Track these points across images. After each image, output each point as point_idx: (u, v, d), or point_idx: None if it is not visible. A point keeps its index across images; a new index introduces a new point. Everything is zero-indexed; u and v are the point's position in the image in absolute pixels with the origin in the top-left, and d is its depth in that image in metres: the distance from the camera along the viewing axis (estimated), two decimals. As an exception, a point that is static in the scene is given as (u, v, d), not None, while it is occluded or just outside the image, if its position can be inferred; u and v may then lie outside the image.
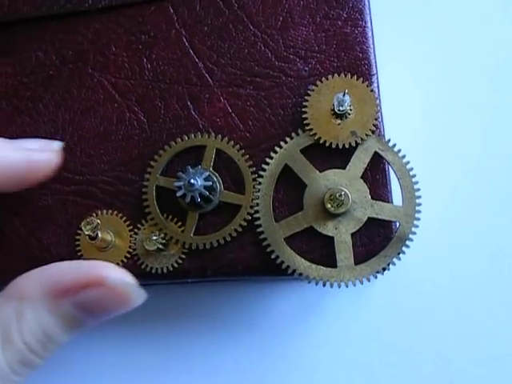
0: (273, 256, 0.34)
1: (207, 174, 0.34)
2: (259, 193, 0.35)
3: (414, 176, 0.34)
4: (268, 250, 0.34)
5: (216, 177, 0.35)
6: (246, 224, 0.35)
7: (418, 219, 0.34)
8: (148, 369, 0.41)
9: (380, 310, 0.40)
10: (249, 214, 0.35)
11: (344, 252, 0.34)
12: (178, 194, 0.34)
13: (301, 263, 0.34)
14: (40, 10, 0.38)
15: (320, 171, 0.35)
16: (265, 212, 0.34)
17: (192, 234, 0.35)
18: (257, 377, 0.40)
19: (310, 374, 0.40)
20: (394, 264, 0.34)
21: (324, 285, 0.34)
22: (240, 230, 0.35)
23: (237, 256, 0.35)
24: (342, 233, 0.34)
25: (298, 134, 0.35)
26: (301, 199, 0.34)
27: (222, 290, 0.41)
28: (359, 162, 0.34)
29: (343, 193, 0.33)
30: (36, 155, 0.34)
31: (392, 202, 0.35)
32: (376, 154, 0.34)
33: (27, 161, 0.34)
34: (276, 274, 0.35)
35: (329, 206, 0.33)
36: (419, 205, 0.34)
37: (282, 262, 0.34)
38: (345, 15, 0.36)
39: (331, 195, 0.33)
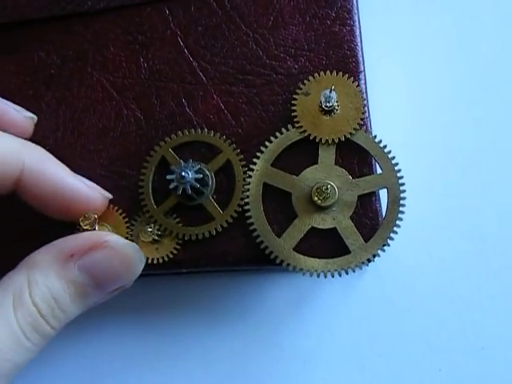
0: (283, 264, 0.35)
1: (198, 167, 0.36)
2: (249, 206, 0.36)
3: (403, 184, 0.35)
4: (277, 261, 0.35)
5: (210, 173, 0.37)
6: (236, 215, 0.36)
7: (402, 177, 0.35)
8: (144, 358, 0.42)
9: (370, 299, 0.41)
10: (239, 205, 0.36)
11: (351, 236, 0.35)
12: (171, 186, 0.35)
13: (319, 265, 0.35)
14: (42, 11, 0.40)
15: (296, 175, 0.36)
16: (267, 232, 0.35)
17: (162, 215, 0.36)
18: (251, 365, 0.41)
19: (303, 363, 0.41)
20: (399, 226, 0.35)
21: (347, 273, 0.35)
22: (231, 220, 0.36)
23: (228, 247, 0.36)
24: (341, 220, 0.35)
25: (287, 130, 0.36)
26: (292, 207, 0.36)
27: (217, 281, 0.42)
28: (327, 150, 0.36)
29: (329, 185, 0.35)
30: (87, 190, 0.36)
31: (374, 173, 0.36)
32: (352, 142, 0.36)
33: (78, 190, 0.35)
34: (265, 264, 0.36)
35: (317, 200, 0.35)
36: (398, 170, 0.35)
37: (295, 267, 0.35)
38: (333, 15, 0.37)
39: (317, 189, 0.35)
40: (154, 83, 0.39)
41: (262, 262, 0.36)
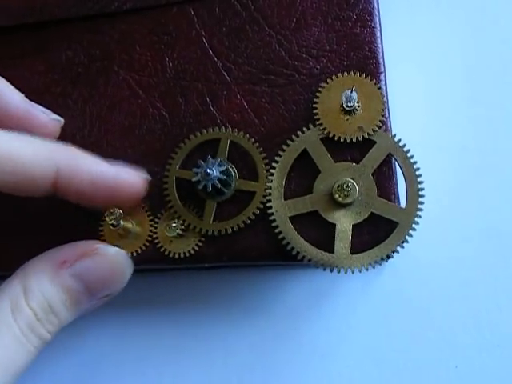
0: (276, 231, 0.36)
1: (224, 165, 0.37)
2: (274, 170, 0.37)
3: (422, 183, 0.36)
4: (273, 224, 0.36)
5: (232, 168, 0.38)
6: (258, 212, 0.37)
7: (417, 223, 0.35)
8: (163, 351, 0.43)
9: (388, 296, 0.42)
10: (261, 202, 0.37)
11: (343, 241, 0.36)
12: (199, 186, 0.36)
13: (303, 244, 0.36)
14: (70, 11, 0.41)
15: (335, 161, 0.37)
16: (277, 190, 0.37)
17: (211, 222, 0.37)
18: (270, 359, 0.42)
19: (321, 357, 0.42)
20: (391, 256, 0.36)
21: (325, 269, 0.36)
22: (253, 217, 0.37)
23: (251, 242, 0.37)
24: (344, 222, 0.36)
25: (308, 129, 0.37)
26: (312, 184, 0.36)
27: (237, 276, 0.43)
28: (373, 159, 0.36)
29: (351, 184, 0.35)
30: (125, 174, 0.36)
31: (397, 203, 0.37)
32: (390, 155, 0.36)
33: (116, 176, 0.36)
34: (286, 260, 0.37)
35: (336, 195, 0.35)
36: (421, 210, 0.36)
37: (284, 238, 0.36)
38: (355, 17, 0.38)
39: (339, 185, 0.35)
40: (178, 82, 0.40)
41: (284, 257, 0.37)
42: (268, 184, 0.37)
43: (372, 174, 0.36)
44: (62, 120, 0.39)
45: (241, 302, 0.43)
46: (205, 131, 0.38)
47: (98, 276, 0.34)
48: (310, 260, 0.36)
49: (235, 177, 0.38)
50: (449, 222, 0.42)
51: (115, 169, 0.36)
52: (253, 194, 0.37)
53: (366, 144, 0.36)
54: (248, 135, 0.38)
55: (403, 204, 0.36)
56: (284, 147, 0.37)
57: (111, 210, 0.37)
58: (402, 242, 0.35)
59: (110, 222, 0.37)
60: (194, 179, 0.36)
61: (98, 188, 0.35)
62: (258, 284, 0.43)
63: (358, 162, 0.36)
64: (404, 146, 0.36)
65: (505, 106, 0.43)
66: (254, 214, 0.37)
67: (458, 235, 0.42)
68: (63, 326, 0.33)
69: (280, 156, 0.37)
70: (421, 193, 0.36)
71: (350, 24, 0.38)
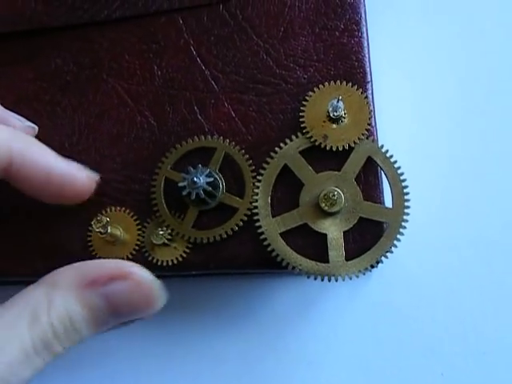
0: (269, 249, 0.36)
1: (212, 176, 0.37)
2: (258, 189, 0.37)
3: (405, 180, 0.36)
4: (264, 243, 0.36)
5: (220, 180, 0.38)
6: (242, 224, 0.37)
7: (406, 221, 0.36)
8: (150, 359, 0.43)
9: (375, 304, 0.42)
10: (245, 215, 0.37)
11: (336, 249, 0.36)
12: (184, 192, 0.36)
13: (296, 258, 0.36)
14: (59, 20, 0.41)
15: (317, 172, 0.37)
16: (263, 209, 0.37)
17: (190, 227, 0.38)
18: (257, 367, 0.42)
19: (309, 365, 0.42)
20: (386, 257, 0.36)
21: (316, 279, 0.36)
22: (237, 228, 0.37)
23: (237, 251, 0.37)
24: (334, 230, 0.36)
25: (296, 137, 0.37)
26: (297, 197, 0.37)
27: (226, 284, 0.43)
28: (353, 165, 0.36)
29: (336, 193, 0.35)
30: (76, 171, 0.37)
31: (383, 204, 0.37)
32: (369, 158, 0.37)
33: (67, 171, 0.36)
34: (273, 268, 0.37)
35: (323, 204, 0.36)
36: (408, 208, 0.36)
37: (278, 255, 0.36)
38: (342, 26, 0.39)
39: (325, 195, 0.36)
40: (167, 91, 0.40)
41: (270, 265, 0.37)
42: (254, 204, 0.37)
43: (355, 180, 0.36)
44: (36, 128, 0.39)
45: (228, 310, 0.43)
46: (191, 140, 0.38)
47: (128, 302, 0.32)
48: (307, 273, 0.36)
49: (222, 189, 0.38)
50: (436, 229, 0.42)
51: (68, 164, 0.37)
52: (236, 209, 0.37)
53: (346, 151, 0.37)
54: (234, 143, 0.38)
55: (390, 204, 0.36)
56: (264, 165, 0.37)
57: (98, 218, 0.37)
58: (395, 242, 0.36)
59: (97, 230, 0.37)
60: (180, 184, 0.37)
61: (48, 179, 0.35)
62: (246, 291, 0.43)
63: (339, 170, 0.37)
64: (382, 147, 0.37)
65: (492, 114, 0.43)
66: (237, 225, 0.37)
67: (445, 243, 0.42)
68: (81, 342, 0.32)
69: (262, 174, 0.37)
70: (405, 190, 0.36)
71: (337, 34, 0.39)
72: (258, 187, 0.37)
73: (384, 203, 0.37)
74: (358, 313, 0.43)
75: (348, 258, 0.36)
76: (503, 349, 0.41)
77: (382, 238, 0.36)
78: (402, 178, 0.36)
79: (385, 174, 0.37)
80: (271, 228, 0.36)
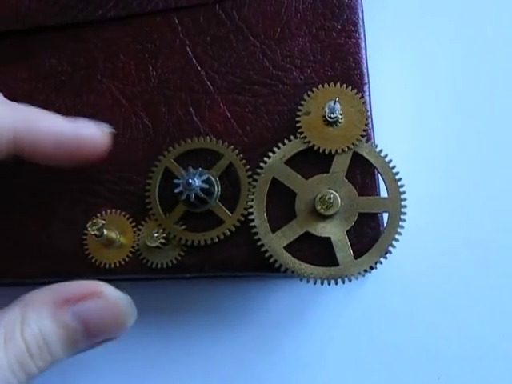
0: (277, 265, 0.36)
1: (204, 174, 0.36)
2: (252, 209, 0.36)
3: (395, 167, 0.36)
4: (271, 260, 0.36)
5: (216, 182, 0.37)
6: (223, 237, 0.37)
7: (405, 206, 0.35)
8: (145, 362, 0.43)
9: (371, 307, 0.42)
10: (229, 230, 0.37)
11: (343, 250, 0.35)
12: (176, 190, 0.36)
13: (307, 268, 0.35)
14: (54, 19, 0.40)
15: (306, 178, 0.36)
16: (261, 226, 0.36)
17: (173, 223, 0.37)
18: (252, 370, 0.42)
19: (304, 368, 0.42)
20: (394, 247, 0.35)
21: (330, 284, 0.35)
22: (217, 239, 0.37)
23: (232, 253, 0.37)
24: (337, 232, 0.36)
25: (291, 140, 0.37)
26: (293, 207, 0.36)
27: (220, 286, 0.43)
28: (341, 163, 0.36)
29: (332, 195, 0.35)
30: (86, 130, 0.36)
31: (379, 195, 0.37)
32: (355, 153, 0.36)
33: (78, 133, 0.36)
34: (268, 271, 0.37)
35: (319, 208, 0.35)
36: (404, 193, 0.36)
37: (287, 269, 0.36)
38: (339, 27, 0.38)
39: (321, 198, 0.35)
40: (162, 91, 0.39)
41: (265, 269, 0.37)
42: (251, 224, 0.36)
43: (346, 177, 0.36)
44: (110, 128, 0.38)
45: (223, 313, 0.43)
46: (189, 140, 0.38)
47: (98, 319, 0.32)
48: (321, 279, 0.35)
49: (215, 197, 0.37)
50: (432, 232, 0.42)
51: (75, 124, 0.36)
52: (235, 204, 0.37)
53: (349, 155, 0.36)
54: (229, 144, 0.38)
55: (385, 194, 0.36)
56: (254, 183, 0.37)
57: (94, 221, 0.37)
58: (398, 230, 0.35)
59: (92, 233, 0.37)
60: (175, 181, 0.36)
61: (60, 145, 0.35)
62: (241, 294, 0.43)
63: (328, 172, 0.36)
64: (366, 139, 0.36)
65: (490, 118, 0.43)
66: (238, 221, 0.37)
67: (441, 246, 0.42)
68: (54, 364, 0.32)
69: (253, 193, 0.37)
70: (397, 177, 0.36)
71: (334, 34, 0.38)
72: (251, 206, 0.37)
73: (380, 194, 0.37)
74: (353, 316, 0.42)
75: (356, 256, 0.35)
76: (499, 353, 0.41)
77: (385, 228, 0.35)
78: (391, 165, 0.36)
79: (373, 165, 0.36)
80: (274, 244, 0.36)
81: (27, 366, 0.30)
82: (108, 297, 0.32)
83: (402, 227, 0.35)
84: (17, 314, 0.31)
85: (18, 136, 0.34)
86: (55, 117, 0.36)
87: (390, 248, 0.35)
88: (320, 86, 0.37)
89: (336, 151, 0.36)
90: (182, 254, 0.38)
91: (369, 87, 0.38)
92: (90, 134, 0.36)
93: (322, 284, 0.35)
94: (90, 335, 0.32)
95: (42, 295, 0.32)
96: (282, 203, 0.37)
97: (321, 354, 0.42)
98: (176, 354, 0.43)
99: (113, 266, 0.38)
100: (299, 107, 0.37)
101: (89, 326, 0.32)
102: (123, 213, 0.38)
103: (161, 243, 0.37)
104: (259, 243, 0.36)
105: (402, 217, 0.36)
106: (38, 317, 0.31)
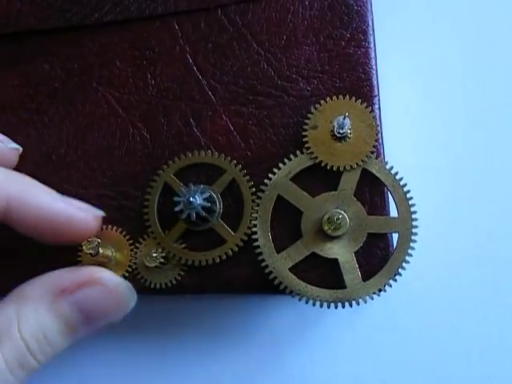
0: (281, 287, 0.34)
1: (208, 194, 0.35)
2: (256, 228, 0.35)
3: (406, 185, 0.34)
4: (275, 282, 0.34)
5: (218, 199, 0.36)
6: (225, 257, 0.35)
7: (416, 226, 0.34)
8: (146, 380, 0.42)
9: (375, 327, 0.41)
10: (231, 250, 0.35)
11: (351, 272, 0.34)
12: (176, 208, 0.34)
13: (313, 291, 0.34)
14: (47, 22, 0.38)
15: (313, 196, 0.35)
16: (266, 247, 0.35)
17: (173, 242, 0.36)
18: (254, 388, 0.41)
19: (306, 387, 0.41)
20: (404, 269, 0.34)
21: (337, 307, 0.34)
22: (219, 260, 0.35)
23: (234, 274, 0.36)
24: (344, 253, 0.34)
25: (297, 156, 0.35)
26: (298, 227, 0.35)
27: (222, 304, 0.41)
28: (349, 181, 0.35)
29: (340, 216, 0.34)
30: (79, 214, 0.34)
31: (389, 214, 0.35)
32: (364, 170, 0.35)
33: (70, 216, 0.34)
34: (273, 292, 0.35)
35: (327, 229, 0.34)
36: (414, 213, 0.34)
37: (292, 292, 0.34)
38: (348, 35, 0.36)
39: (329, 218, 0.34)
40: (161, 101, 0.37)
41: (269, 290, 0.35)
42: (255, 244, 0.35)
43: (354, 195, 0.35)
44: (21, 149, 0.37)
45: (224, 331, 0.41)
46: (189, 154, 0.36)
47: (98, 306, 0.32)
48: (327, 302, 0.34)
49: (217, 216, 0.36)
50: (440, 250, 0.41)
51: (69, 206, 0.34)
52: (238, 221, 0.35)
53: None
54: (231, 158, 0.36)
55: (395, 213, 0.35)
56: (258, 201, 0.35)
57: (89, 239, 0.35)
58: (409, 251, 0.34)
59: (87, 252, 0.35)
60: (175, 199, 0.34)
61: (48, 224, 0.33)
62: (242, 312, 0.41)
63: (335, 189, 0.35)
64: (375, 156, 0.35)
65: (500, 129, 0.41)
66: (241, 240, 0.35)
67: (449, 264, 0.41)
68: (57, 354, 0.32)
69: (257, 211, 0.35)
70: (408, 195, 0.34)
71: (343, 43, 0.36)
72: (255, 225, 0.35)
73: (389, 213, 0.35)
74: (357, 334, 0.41)
75: (365, 279, 0.34)
76: (508, 373, 0.40)
77: (395, 249, 0.34)
78: (401, 183, 0.34)
79: (383, 183, 0.35)
80: (279, 265, 0.34)
81: (27, 363, 0.30)
82: (107, 283, 0.32)
83: (413, 248, 0.34)
84: (11, 312, 0.30)
85: (9, 204, 0.33)
86: (49, 193, 0.34)
87: (400, 270, 0.34)
88: (328, 98, 0.35)
89: (344, 168, 0.34)
90: (182, 273, 0.36)
91: (378, 99, 0.36)
92: (82, 218, 0.34)
93: (328, 307, 0.34)
94: (90, 322, 0.32)
95: (36, 287, 0.31)
96: (287, 222, 0.35)
97: (324, 374, 0.41)
98: (176, 372, 0.41)
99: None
100: (306, 120, 0.35)
101: (88, 313, 0.32)
102: (119, 229, 0.37)
103: (160, 263, 0.35)
104: (263, 264, 0.34)
105: (412, 237, 0.34)
106: (35, 311, 0.30)
